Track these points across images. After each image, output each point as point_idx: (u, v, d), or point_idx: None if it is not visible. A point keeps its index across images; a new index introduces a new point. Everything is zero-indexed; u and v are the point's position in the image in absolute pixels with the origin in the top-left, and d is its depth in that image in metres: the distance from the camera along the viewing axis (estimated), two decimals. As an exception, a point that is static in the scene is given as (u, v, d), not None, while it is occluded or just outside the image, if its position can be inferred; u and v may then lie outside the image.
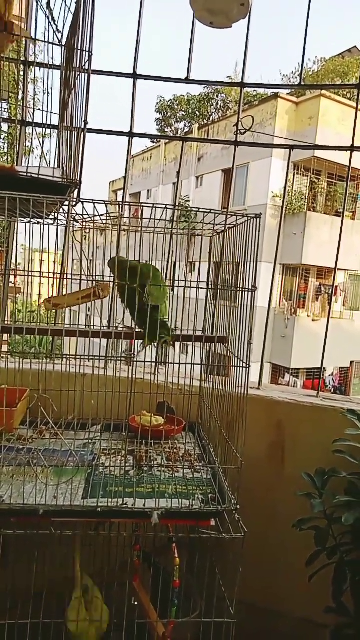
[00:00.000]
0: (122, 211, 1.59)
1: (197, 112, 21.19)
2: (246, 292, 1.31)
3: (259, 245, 1.28)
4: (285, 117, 13.32)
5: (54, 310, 1.52)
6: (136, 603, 1.45)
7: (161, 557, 1.50)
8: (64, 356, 1.78)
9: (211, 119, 19.99)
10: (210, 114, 21.17)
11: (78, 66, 1.21)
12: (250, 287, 1.25)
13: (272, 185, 13.10)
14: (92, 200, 1.17)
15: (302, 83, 2.12)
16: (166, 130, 21.73)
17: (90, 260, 1.55)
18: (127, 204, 1.29)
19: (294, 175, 13.61)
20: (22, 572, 1.43)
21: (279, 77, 22.81)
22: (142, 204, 1.22)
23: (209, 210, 1.30)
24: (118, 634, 1.31)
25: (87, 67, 1.18)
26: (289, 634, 1.78)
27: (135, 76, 1.93)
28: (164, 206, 1.22)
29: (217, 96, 20.74)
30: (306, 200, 13.53)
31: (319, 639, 1.56)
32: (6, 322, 2.12)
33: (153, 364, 2.01)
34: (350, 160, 1.98)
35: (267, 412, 1.91)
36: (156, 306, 1.33)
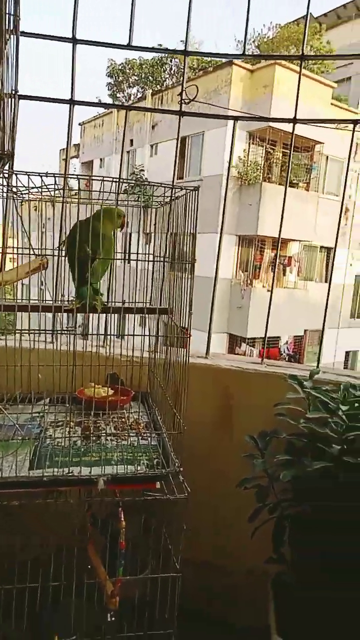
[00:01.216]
0: (65, 184, 1.55)
1: (150, 78, 20.53)
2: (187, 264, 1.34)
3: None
4: (240, 84, 13.15)
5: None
6: (90, 567, 1.50)
7: (113, 521, 1.55)
8: (13, 331, 1.75)
9: (165, 85, 19.44)
10: (164, 79, 20.57)
11: (6, 28, 1.16)
12: (189, 260, 1.28)
13: (227, 155, 13.01)
14: (27, 172, 1.14)
15: (245, 53, 2.08)
16: (118, 95, 21.00)
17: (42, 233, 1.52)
18: (65, 176, 1.26)
19: (249, 145, 13.57)
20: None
21: (233, 43, 22.38)
22: (79, 176, 1.20)
23: (147, 183, 1.30)
24: (69, 598, 1.36)
25: (13, 30, 1.13)
26: (236, 586, 1.90)
27: (74, 41, 1.86)
28: (101, 178, 1.21)
29: (171, 61, 20.14)
30: (261, 171, 13.55)
31: (262, 588, 1.68)
32: None
33: (102, 337, 2.03)
34: (292, 132, 2.01)
35: (214, 380, 1.97)
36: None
